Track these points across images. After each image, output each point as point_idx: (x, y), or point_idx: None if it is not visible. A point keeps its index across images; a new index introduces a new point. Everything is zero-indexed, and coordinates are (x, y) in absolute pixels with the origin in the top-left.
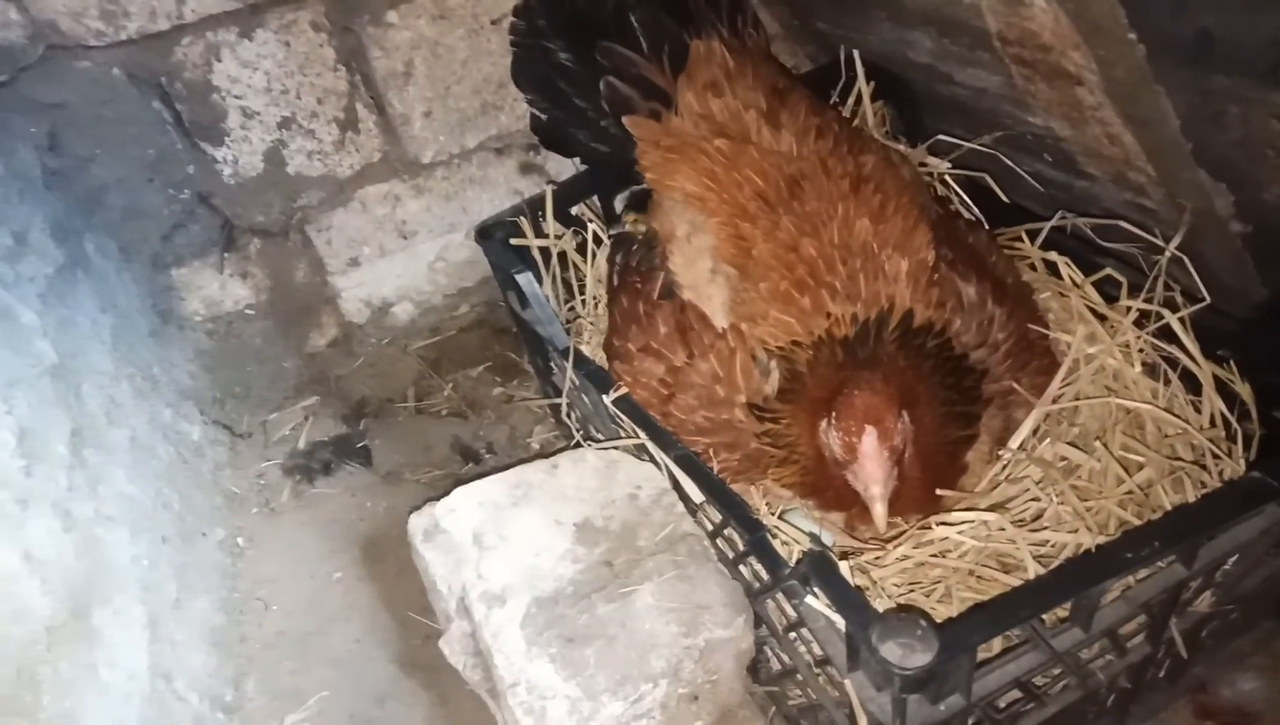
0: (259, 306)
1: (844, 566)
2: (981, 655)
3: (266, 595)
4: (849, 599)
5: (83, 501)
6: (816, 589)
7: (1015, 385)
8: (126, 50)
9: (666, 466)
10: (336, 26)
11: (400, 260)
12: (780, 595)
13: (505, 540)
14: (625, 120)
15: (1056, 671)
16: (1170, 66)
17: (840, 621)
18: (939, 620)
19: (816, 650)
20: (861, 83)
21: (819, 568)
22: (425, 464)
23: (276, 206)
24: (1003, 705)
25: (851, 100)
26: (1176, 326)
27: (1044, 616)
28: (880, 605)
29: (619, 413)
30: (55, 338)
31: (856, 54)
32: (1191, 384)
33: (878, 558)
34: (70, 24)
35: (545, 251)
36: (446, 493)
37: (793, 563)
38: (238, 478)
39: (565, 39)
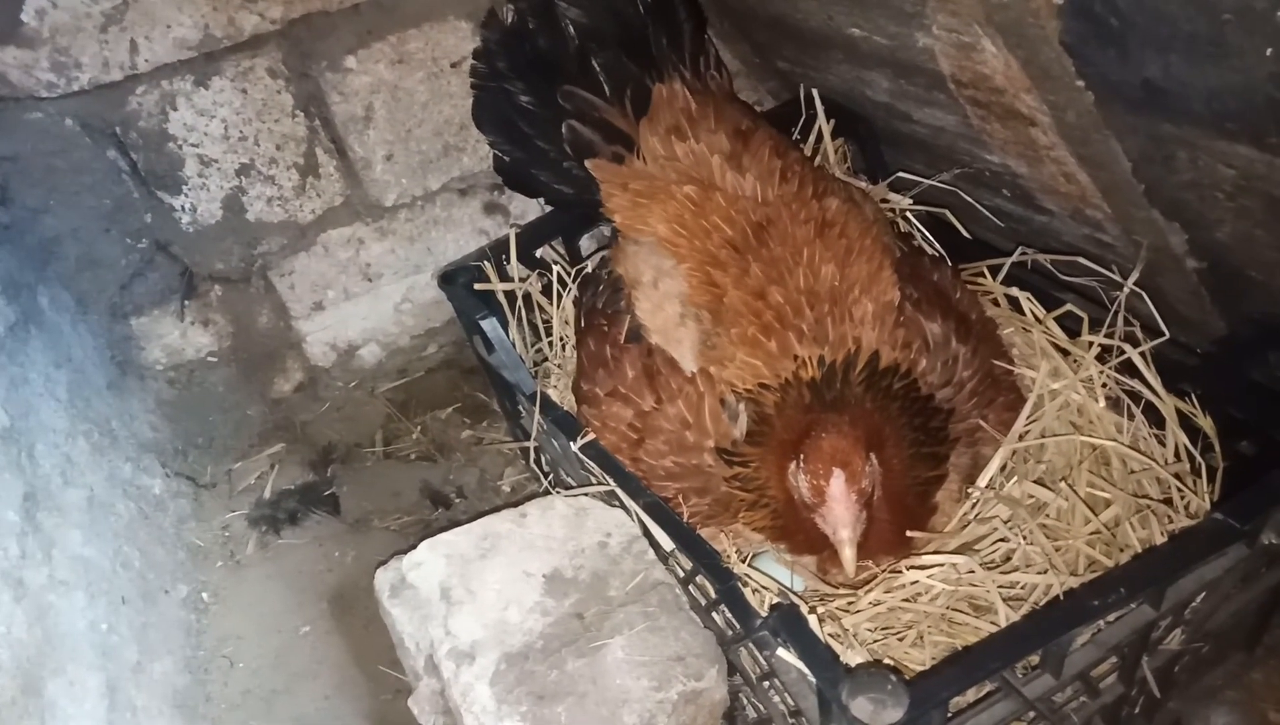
0: (221, 353)
1: (813, 620)
2: (954, 706)
3: (232, 652)
4: (818, 654)
5: (35, 568)
6: (786, 642)
7: (982, 423)
8: (79, 101)
9: (636, 513)
10: (294, 72)
11: (365, 303)
12: (752, 645)
13: (473, 594)
14: (588, 164)
15: (1030, 717)
16: (1119, 113)
17: (811, 675)
18: (913, 666)
19: (791, 701)
20: (821, 121)
21: (788, 622)
22: (394, 510)
23: (237, 253)
24: None
25: (812, 137)
26: (1138, 361)
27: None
28: (853, 654)
29: (587, 459)
30: (6, 399)
31: (816, 92)
32: (1154, 417)
33: (850, 603)
34: (20, 76)
35: (510, 295)
36: (416, 540)
37: (764, 612)
38: (201, 530)
39: (526, 81)
